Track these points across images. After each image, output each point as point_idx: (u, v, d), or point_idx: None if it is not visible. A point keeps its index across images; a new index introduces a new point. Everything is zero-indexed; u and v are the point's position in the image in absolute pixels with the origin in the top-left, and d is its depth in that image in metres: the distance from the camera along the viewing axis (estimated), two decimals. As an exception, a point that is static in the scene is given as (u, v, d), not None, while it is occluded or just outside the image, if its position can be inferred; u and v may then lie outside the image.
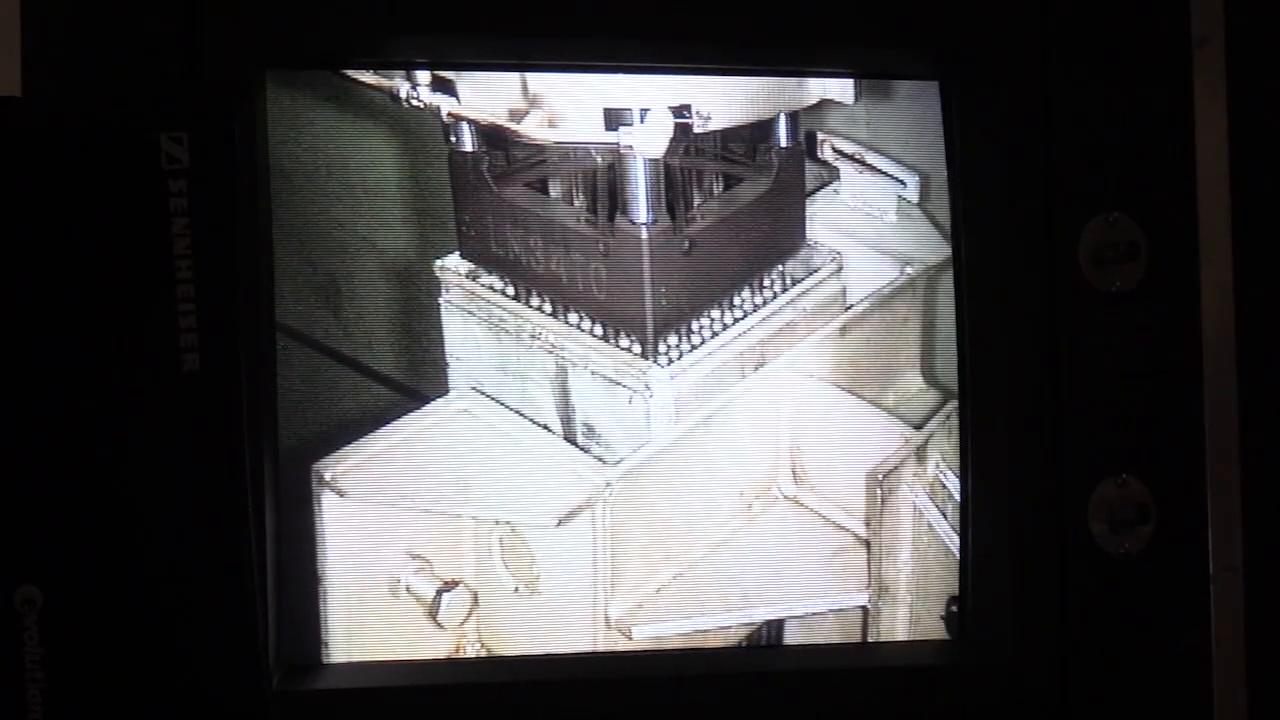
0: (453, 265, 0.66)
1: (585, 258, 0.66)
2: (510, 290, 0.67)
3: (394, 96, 0.65)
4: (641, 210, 0.66)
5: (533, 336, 0.67)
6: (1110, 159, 0.66)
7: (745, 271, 0.68)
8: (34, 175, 0.54)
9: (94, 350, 0.55)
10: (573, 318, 0.67)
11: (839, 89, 0.68)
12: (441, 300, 0.66)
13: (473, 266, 0.66)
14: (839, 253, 0.69)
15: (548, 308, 0.67)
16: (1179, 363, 0.66)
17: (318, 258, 0.64)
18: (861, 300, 0.69)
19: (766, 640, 0.68)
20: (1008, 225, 0.66)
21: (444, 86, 0.65)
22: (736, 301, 0.68)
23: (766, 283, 0.68)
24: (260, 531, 0.60)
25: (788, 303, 0.68)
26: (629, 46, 0.65)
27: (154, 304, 0.55)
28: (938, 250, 0.68)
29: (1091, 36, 0.66)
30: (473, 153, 0.66)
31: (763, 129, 0.68)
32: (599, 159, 0.66)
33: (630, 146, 0.66)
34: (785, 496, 0.69)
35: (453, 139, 0.65)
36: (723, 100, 0.67)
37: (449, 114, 0.65)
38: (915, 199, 0.69)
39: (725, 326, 0.68)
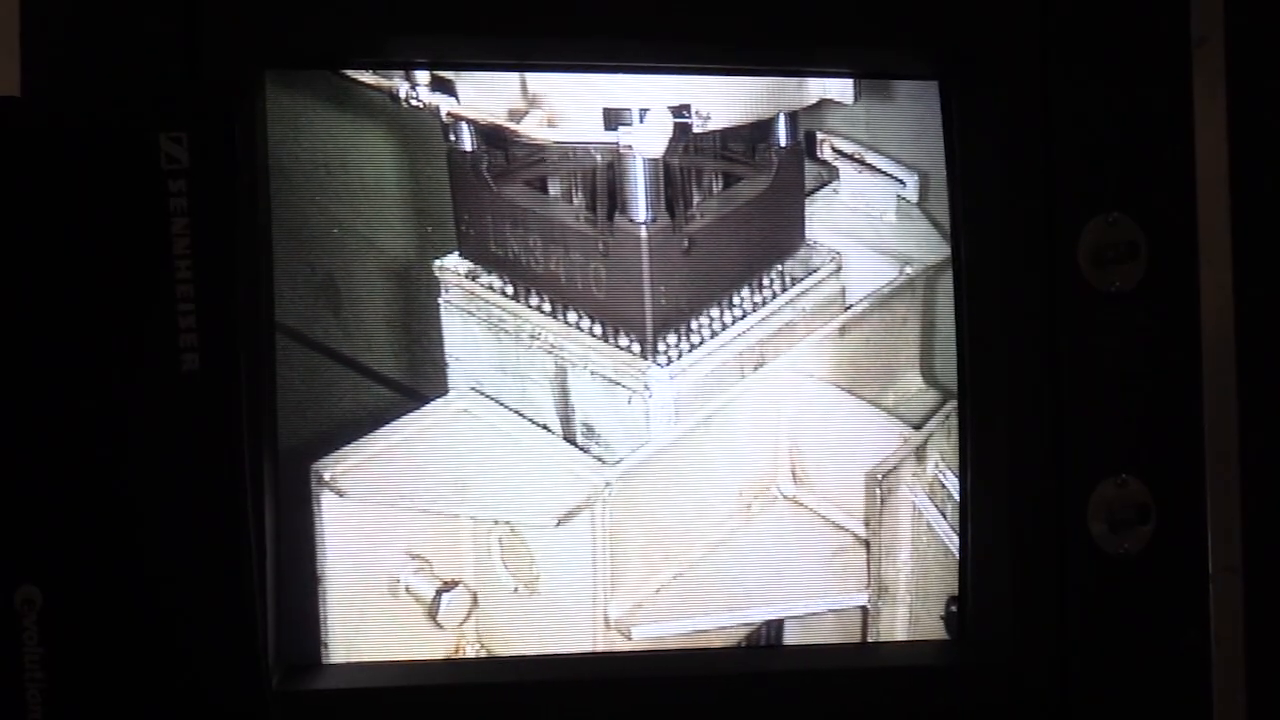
0: (452, 265, 0.66)
1: (584, 257, 0.66)
2: (509, 290, 0.67)
3: (393, 96, 0.65)
4: (641, 209, 0.66)
5: (532, 336, 0.67)
6: (1110, 159, 0.66)
7: (744, 270, 0.68)
8: (34, 175, 0.54)
9: (93, 350, 0.55)
10: (572, 317, 0.67)
11: (839, 89, 0.68)
12: (441, 300, 0.66)
13: (472, 266, 0.66)
14: (838, 252, 0.69)
15: (547, 307, 0.67)
16: (1179, 363, 0.66)
17: (317, 257, 0.64)
18: (861, 300, 0.69)
19: (766, 640, 0.68)
20: (1007, 225, 0.66)
21: (443, 86, 0.65)
22: (736, 301, 0.68)
23: (766, 282, 0.68)
24: (260, 531, 0.60)
25: (787, 303, 0.68)
26: (629, 46, 0.65)
27: (153, 304, 0.55)
28: (937, 250, 0.68)
29: (1091, 36, 0.66)
30: (472, 152, 0.66)
31: (762, 128, 0.68)
32: (598, 158, 0.66)
33: (630, 146, 0.66)
34: (784, 496, 0.69)
35: (452, 138, 0.65)
36: (722, 100, 0.67)
37: (448, 114, 0.65)
38: (915, 199, 0.69)
39: (725, 326, 0.68)
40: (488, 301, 0.66)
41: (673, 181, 0.67)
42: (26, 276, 0.54)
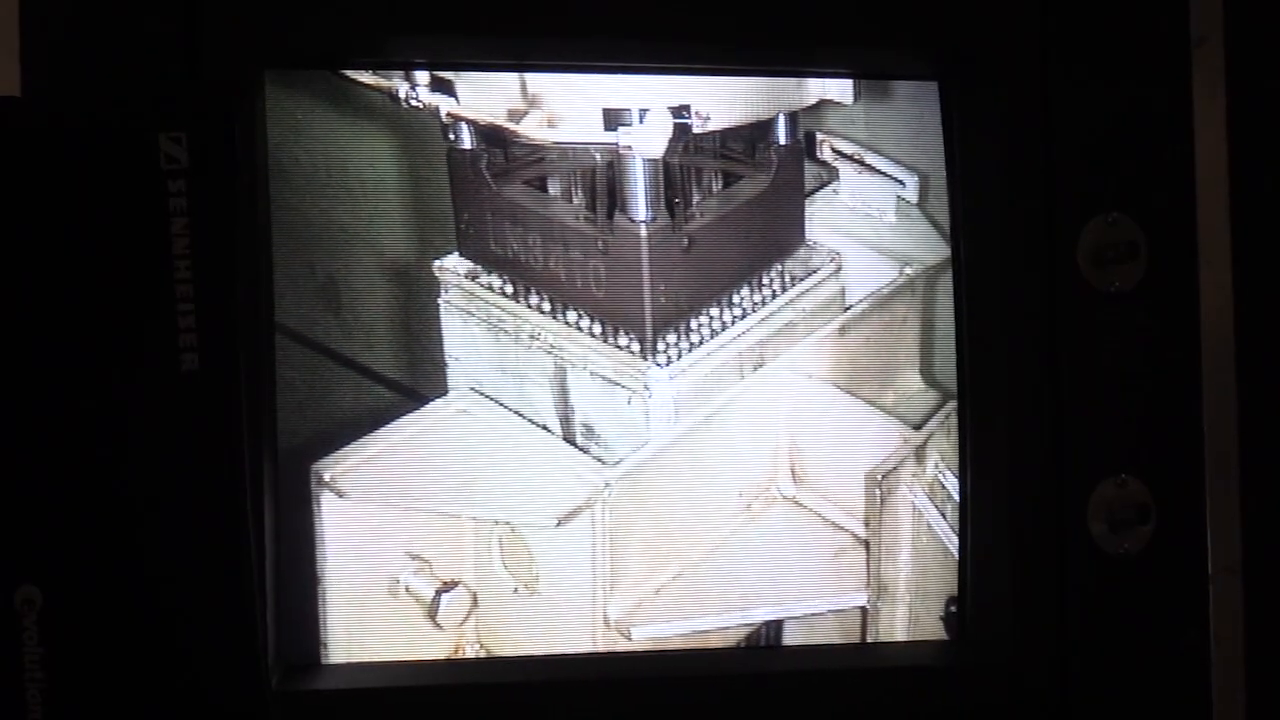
0: (452, 265, 0.66)
1: (584, 256, 0.66)
2: (509, 289, 0.67)
3: (393, 96, 0.65)
4: (640, 208, 0.66)
5: (532, 337, 0.67)
6: (1110, 159, 0.66)
7: (744, 269, 0.68)
8: (34, 175, 0.55)
9: (93, 350, 0.55)
10: (571, 316, 0.67)
11: (838, 89, 0.68)
12: (441, 300, 0.66)
13: (472, 266, 0.66)
14: (838, 253, 0.69)
15: (546, 306, 0.67)
16: (1178, 363, 0.66)
17: (317, 258, 0.64)
18: (860, 300, 0.69)
19: (766, 641, 0.68)
20: (1007, 225, 0.66)
21: (443, 86, 0.65)
22: (735, 300, 0.68)
23: (765, 281, 0.68)
24: (260, 532, 0.60)
25: (787, 303, 0.68)
26: (628, 46, 0.65)
27: (153, 304, 0.55)
28: (937, 250, 0.68)
29: (1091, 36, 0.66)
30: (471, 151, 0.66)
31: (762, 128, 0.68)
32: (598, 157, 0.66)
33: (629, 147, 0.66)
34: (784, 497, 0.69)
35: (451, 138, 0.65)
36: (722, 101, 0.67)
37: (448, 114, 0.65)
38: (914, 199, 0.69)
39: (724, 325, 0.68)
40: (487, 301, 0.66)
41: (672, 181, 0.67)
42: (26, 276, 0.54)
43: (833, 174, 0.69)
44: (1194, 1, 0.66)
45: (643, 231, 0.66)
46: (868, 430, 0.69)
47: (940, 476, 0.69)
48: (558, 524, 0.66)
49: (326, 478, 0.64)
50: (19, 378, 0.54)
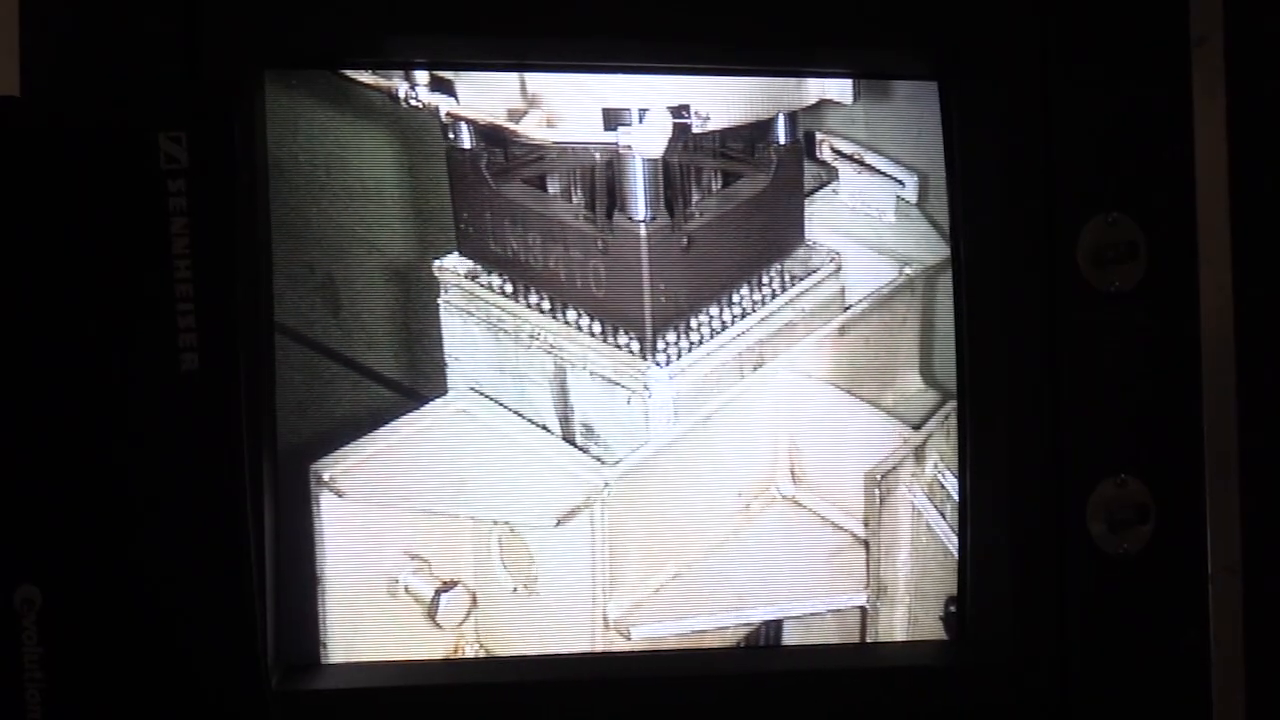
0: (451, 265, 0.66)
1: (584, 255, 0.66)
2: (509, 288, 0.67)
3: (392, 96, 0.65)
4: (640, 207, 0.66)
5: (531, 336, 0.67)
6: (1110, 159, 0.66)
7: (744, 269, 0.68)
8: (34, 175, 0.55)
9: (93, 350, 0.55)
10: (571, 315, 0.67)
11: (838, 89, 0.68)
12: (440, 300, 0.66)
13: (471, 265, 0.66)
14: (838, 253, 0.69)
15: (546, 305, 0.67)
16: (1178, 363, 0.66)
17: (316, 257, 0.64)
18: (860, 300, 0.69)
19: (765, 640, 0.68)
20: (1007, 225, 0.66)
21: (442, 86, 0.65)
22: (735, 299, 0.68)
23: (765, 280, 0.68)
24: (259, 531, 0.60)
25: (787, 303, 0.68)
26: (628, 46, 0.65)
27: (153, 303, 0.55)
28: (936, 250, 0.68)
29: (1091, 36, 0.66)
30: (471, 150, 0.66)
31: (762, 128, 0.68)
32: (598, 156, 0.66)
33: (629, 147, 0.66)
34: (784, 496, 0.69)
35: (451, 137, 0.65)
36: (721, 101, 0.67)
37: (448, 114, 0.65)
38: (914, 199, 0.69)
39: (724, 324, 0.68)
40: (487, 301, 0.66)
41: (672, 180, 0.67)
42: (26, 276, 0.54)
43: (832, 174, 0.69)
44: (1194, 1, 0.66)
45: (642, 231, 0.66)
46: (867, 430, 0.69)
47: (940, 476, 0.69)
48: (557, 524, 0.66)
49: (326, 478, 0.64)
50: (19, 378, 0.54)
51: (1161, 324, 0.66)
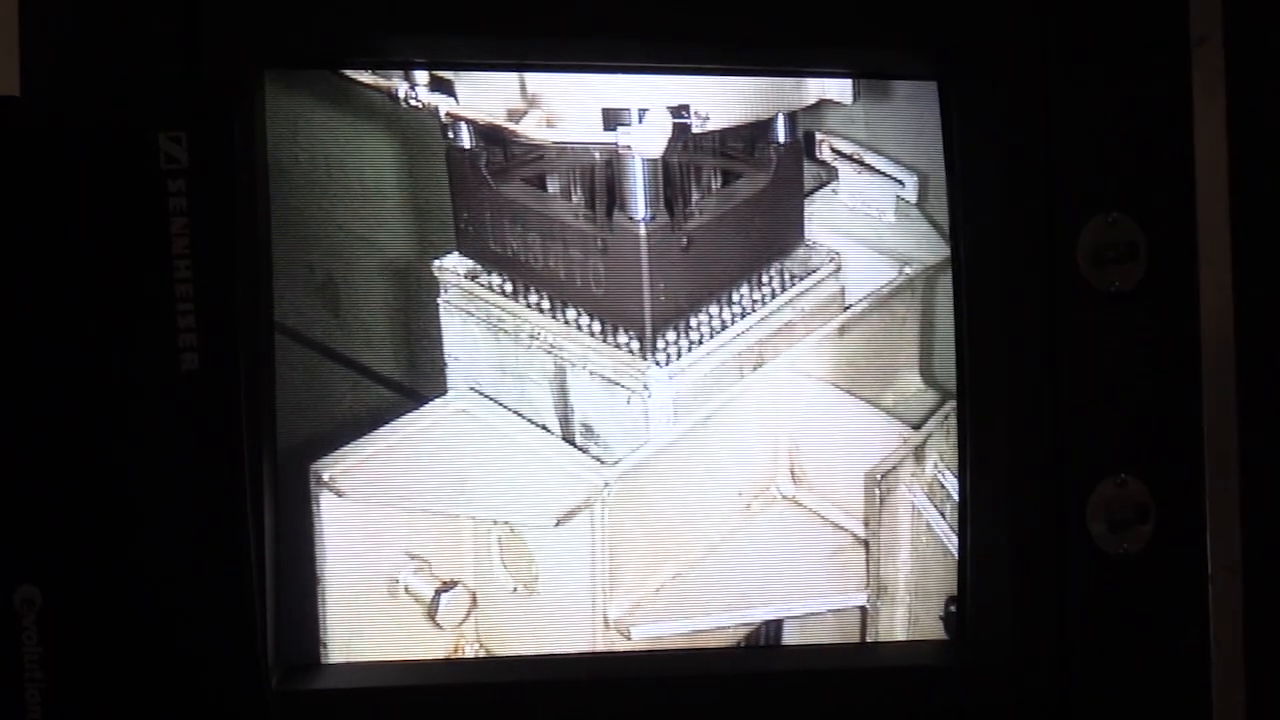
0: (451, 265, 0.66)
1: (583, 254, 0.66)
2: (508, 287, 0.67)
3: (392, 96, 0.65)
4: (640, 206, 0.66)
5: (531, 336, 0.67)
6: (1110, 159, 0.66)
7: (744, 268, 0.68)
8: (34, 175, 0.55)
9: (93, 350, 0.55)
10: (571, 314, 0.67)
11: (837, 89, 0.68)
12: (440, 300, 0.66)
13: (471, 265, 0.66)
14: (837, 253, 0.69)
15: (546, 304, 0.67)
16: (1178, 363, 0.66)
17: (316, 257, 0.64)
18: (860, 300, 0.69)
19: (765, 640, 0.68)
20: (1007, 225, 0.66)
21: (442, 86, 0.65)
22: (735, 298, 0.68)
23: (765, 279, 0.68)
24: (259, 531, 0.60)
25: (786, 302, 0.68)
26: (628, 46, 0.65)
27: (153, 303, 0.55)
28: (936, 250, 0.68)
29: (1091, 36, 0.66)
30: (470, 149, 0.66)
31: (761, 127, 0.68)
32: (597, 156, 0.66)
33: (629, 147, 0.66)
34: (784, 496, 0.69)
35: (450, 136, 0.65)
36: (721, 100, 0.67)
37: (447, 114, 0.65)
38: (914, 199, 0.69)
39: (724, 323, 0.68)
40: (487, 301, 0.66)
41: (671, 179, 0.67)
42: (26, 276, 0.54)
43: (832, 174, 0.69)
44: (1194, 1, 0.66)
45: (642, 230, 0.66)
46: (867, 430, 0.68)
47: (940, 476, 0.69)
48: (557, 524, 0.66)
49: (326, 477, 0.64)
50: (19, 378, 0.54)
51: (1161, 324, 0.66)
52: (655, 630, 0.67)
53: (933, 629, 0.69)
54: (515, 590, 0.67)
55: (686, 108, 0.66)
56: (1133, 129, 0.66)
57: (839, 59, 0.67)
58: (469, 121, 0.65)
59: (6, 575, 0.54)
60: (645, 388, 0.67)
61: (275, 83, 0.63)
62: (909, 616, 0.69)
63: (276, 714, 0.59)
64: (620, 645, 0.67)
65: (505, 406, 0.66)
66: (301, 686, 0.63)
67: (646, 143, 0.66)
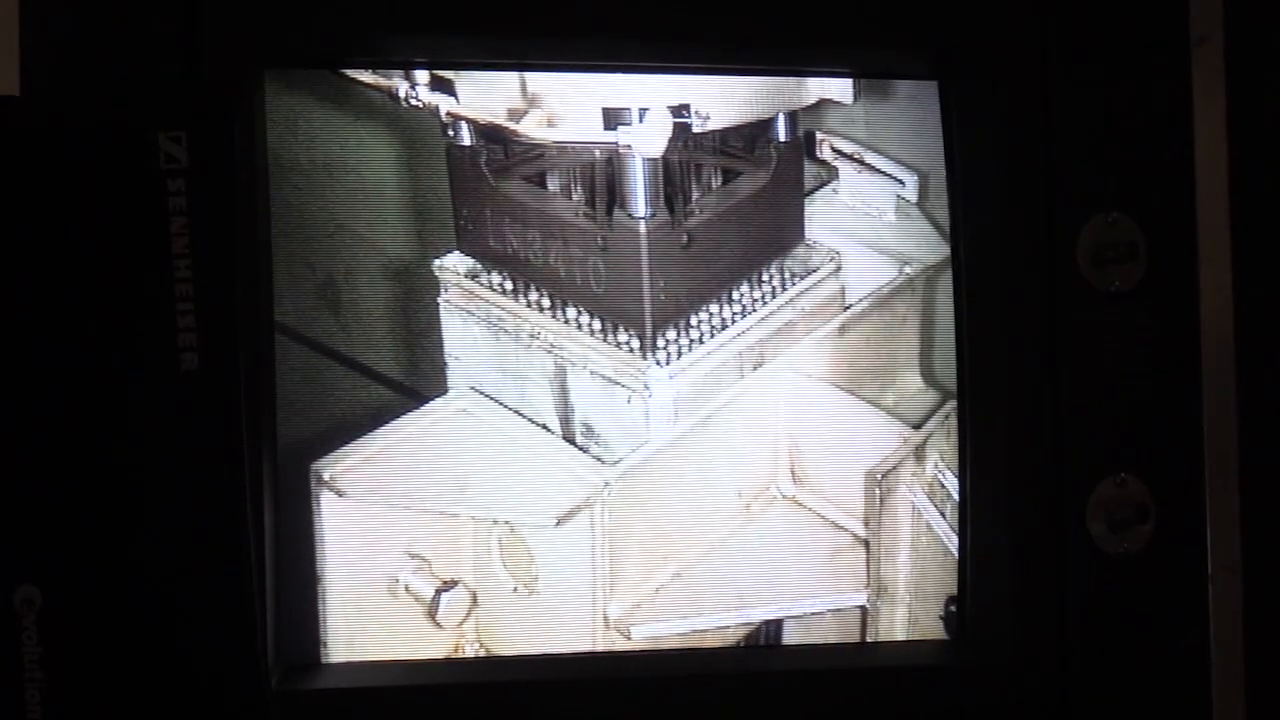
0: (451, 265, 0.66)
1: (583, 252, 0.66)
2: (509, 285, 0.67)
3: (393, 96, 0.65)
4: (640, 204, 0.66)
5: (531, 336, 0.67)
6: (1110, 159, 0.66)
7: (744, 266, 0.68)
8: (33, 175, 0.55)
9: (93, 350, 0.55)
10: (571, 313, 0.67)
11: (838, 89, 0.68)
12: (440, 300, 0.66)
13: (471, 265, 0.66)
14: (838, 252, 0.69)
15: (546, 303, 0.67)
16: (1178, 363, 0.66)
17: (316, 257, 0.64)
18: (860, 300, 0.69)
19: (765, 640, 0.68)
20: (1007, 225, 0.66)
21: (443, 86, 0.65)
22: (735, 296, 0.68)
23: (765, 278, 0.68)
24: (259, 531, 0.60)
25: (786, 302, 0.68)
26: (628, 46, 0.65)
27: (152, 303, 0.55)
28: (936, 250, 0.68)
29: (1091, 36, 0.66)
30: (470, 146, 0.66)
31: (762, 126, 0.68)
32: (597, 154, 0.66)
33: (629, 146, 0.66)
34: (784, 496, 0.69)
35: (450, 134, 0.65)
36: (722, 100, 0.67)
37: (448, 113, 0.65)
38: (914, 199, 0.69)
39: (724, 322, 0.68)
40: (487, 301, 0.66)
41: (672, 177, 0.67)
42: (26, 276, 0.54)
43: (832, 173, 0.69)
44: (1194, 1, 0.66)
45: (642, 228, 0.66)
46: (867, 430, 0.69)
47: (940, 476, 0.69)
48: (557, 523, 0.66)
49: (326, 477, 0.64)
50: (19, 377, 0.54)
51: (1161, 324, 0.66)
52: (655, 630, 0.67)
53: (933, 629, 0.69)
54: (515, 590, 0.67)
55: (687, 107, 0.66)
56: (1133, 129, 0.66)
57: (839, 59, 0.67)
58: (469, 121, 0.65)
59: (6, 575, 0.54)
60: (645, 387, 0.67)
61: (275, 83, 0.63)
62: (909, 616, 0.69)
63: (276, 714, 0.59)
64: (620, 645, 0.67)
65: (506, 406, 0.66)
66: (301, 686, 0.63)
67: (647, 142, 0.66)
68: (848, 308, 0.69)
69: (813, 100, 0.68)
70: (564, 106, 0.66)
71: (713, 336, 0.68)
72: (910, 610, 0.69)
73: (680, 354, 0.67)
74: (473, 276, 0.66)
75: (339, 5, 0.62)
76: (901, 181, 0.68)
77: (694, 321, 0.67)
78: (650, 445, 0.67)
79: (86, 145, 0.55)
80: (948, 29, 0.66)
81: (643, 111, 0.66)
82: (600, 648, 0.67)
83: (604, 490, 0.66)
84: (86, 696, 0.55)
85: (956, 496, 0.68)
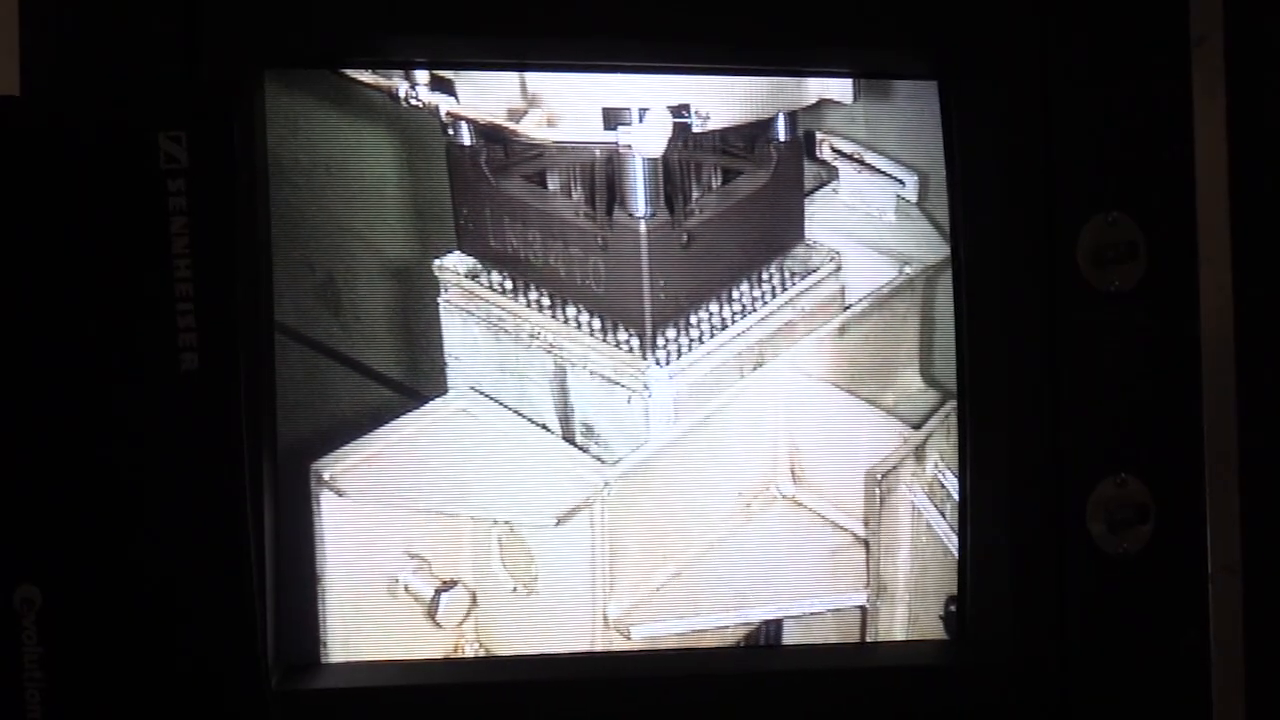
0: (451, 265, 0.66)
1: (583, 251, 0.66)
2: (509, 285, 0.67)
3: (393, 96, 0.65)
4: (640, 204, 0.66)
5: (531, 336, 0.67)
6: (1110, 159, 0.66)
7: (744, 265, 0.68)
8: (33, 175, 0.55)
9: (93, 349, 0.55)
10: (570, 312, 0.67)
11: (838, 89, 0.68)
12: (440, 300, 0.66)
13: (471, 265, 0.66)
14: (837, 252, 0.69)
15: (546, 302, 0.67)
16: (1178, 363, 0.66)
17: (316, 257, 0.64)
18: (860, 300, 0.69)
19: (765, 640, 0.68)
20: (1007, 225, 0.66)
21: (443, 86, 0.65)
22: (735, 296, 0.68)
23: (765, 277, 0.68)
24: (259, 531, 0.60)
25: (786, 302, 0.68)
26: (628, 46, 0.65)
27: (152, 303, 0.55)
28: (936, 250, 0.68)
29: (1091, 36, 0.66)
30: (470, 146, 0.66)
31: (762, 126, 0.68)
32: (597, 153, 0.66)
33: (629, 146, 0.66)
34: (784, 496, 0.69)
35: (450, 134, 0.65)
36: (722, 100, 0.67)
37: (448, 113, 0.65)
38: (914, 198, 0.69)
39: (724, 321, 0.68)
40: (487, 301, 0.66)
41: (672, 177, 0.67)
42: (26, 276, 0.54)
43: (832, 173, 0.69)
44: (1194, 1, 0.66)
45: (642, 228, 0.66)
46: (867, 430, 0.69)
47: (940, 476, 0.69)
48: (557, 523, 0.66)
49: (326, 477, 0.64)
50: (19, 377, 0.54)
51: (1161, 324, 0.66)
52: (655, 630, 0.67)
53: (933, 629, 0.69)
54: (515, 590, 0.67)
55: (687, 107, 0.66)
56: (1133, 129, 0.66)
57: (839, 59, 0.67)
58: (469, 121, 0.65)
59: (6, 575, 0.54)
60: (645, 387, 0.67)
61: (275, 83, 0.63)
62: (909, 616, 0.69)
63: (276, 714, 0.59)
64: (620, 645, 0.67)
65: (505, 406, 0.66)
66: (301, 686, 0.63)
67: (647, 142, 0.66)
68: (848, 307, 0.69)
69: (813, 100, 0.68)
70: (564, 106, 0.66)
71: (713, 336, 0.68)
72: (910, 610, 0.69)
73: (680, 354, 0.67)
74: (473, 276, 0.66)
75: (339, 5, 0.62)
76: (901, 181, 0.68)
77: (694, 321, 0.67)
78: (650, 445, 0.67)
79: (86, 145, 0.55)
80: (948, 29, 0.66)
81: (643, 111, 0.66)
82: (600, 648, 0.67)
83: (604, 490, 0.66)
84: (86, 696, 0.55)
85: (956, 496, 0.68)
